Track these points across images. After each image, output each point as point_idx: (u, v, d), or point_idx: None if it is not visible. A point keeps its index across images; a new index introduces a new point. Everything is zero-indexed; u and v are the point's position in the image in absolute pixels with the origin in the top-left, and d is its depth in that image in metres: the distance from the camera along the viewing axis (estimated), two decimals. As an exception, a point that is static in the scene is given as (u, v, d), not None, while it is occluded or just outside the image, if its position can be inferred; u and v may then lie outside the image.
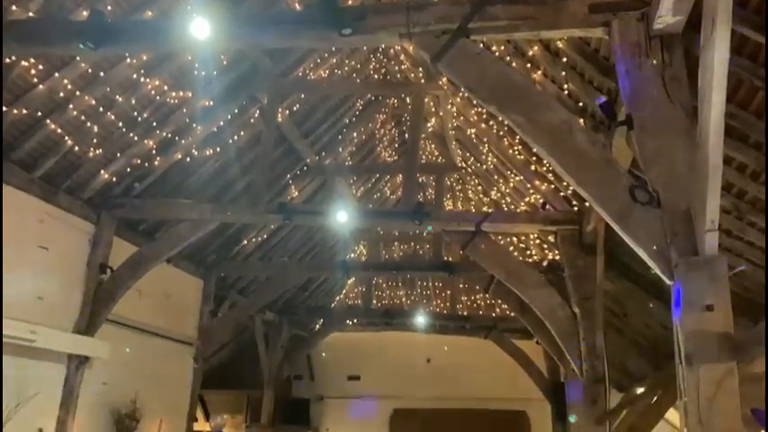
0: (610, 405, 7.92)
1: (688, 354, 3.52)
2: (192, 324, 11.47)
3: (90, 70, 7.00)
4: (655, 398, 9.81)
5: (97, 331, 8.42)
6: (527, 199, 9.85)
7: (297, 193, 11.50)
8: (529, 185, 9.44)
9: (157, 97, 7.88)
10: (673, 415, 11.46)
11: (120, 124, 7.83)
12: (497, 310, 15.45)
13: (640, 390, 10.40)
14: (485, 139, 10.05)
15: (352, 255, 15.76)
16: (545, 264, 10.10)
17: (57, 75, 6.76)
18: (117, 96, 7.51)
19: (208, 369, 12.54)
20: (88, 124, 7.49)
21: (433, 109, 11.22)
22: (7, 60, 6.23)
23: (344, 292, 17.54)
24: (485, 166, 10.96)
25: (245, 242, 11.89)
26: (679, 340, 3.65)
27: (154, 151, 8.42)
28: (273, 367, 15.03)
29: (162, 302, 10.33)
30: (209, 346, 11.81)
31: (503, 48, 7.12)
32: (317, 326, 16.70)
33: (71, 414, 7.99)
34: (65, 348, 7.98)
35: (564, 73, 6.32)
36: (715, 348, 3.45)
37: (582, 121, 6.23)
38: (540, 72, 6.84)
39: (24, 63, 6.47)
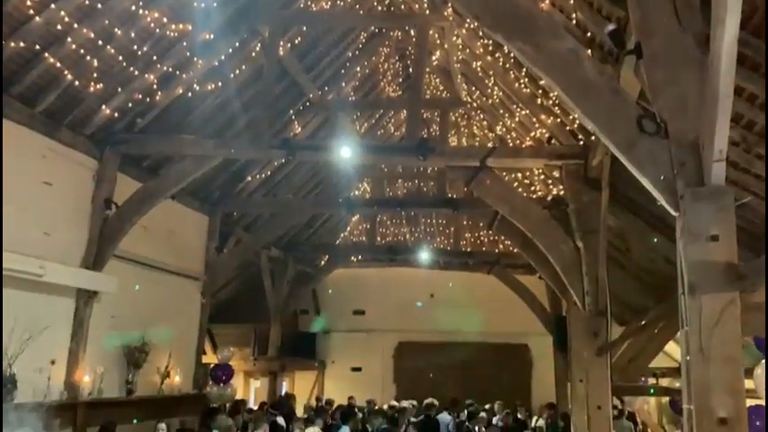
0: (611, 337, 8.05)
1: (691, 283, 3.55)
2: (198, 260, 11.58)
3: (87, 2, 6.84)
4: (656, 330, 9.99)
5: (104, 266, 8.52)
6: (532, 134, 9.76)
7: (300, 129, 11.42)
8: (534, 120, 9.34)
9: (157, 30, 7.72)
10: (672, 347, 11.69)
11: (120, 58, 7.69)
12: (500, 246, 15.54)
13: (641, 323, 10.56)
14: (490, 73, 9.89)
15: (357, 192, 15.77)
16: (549, 199, 10.10)
17: (53, 6, 6.61)
18: (116, 29, 7.35)
19: (215, 304, 12.73)
20: (88, 58, 7.36)
21: (438, 41, 10.99)
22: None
23: (349, 229, 17.63)
24: (490, 101, 10.82)
25: (249, 179, 11.88)
26: (683, 270, 3.67)
27: (155, 86, 8.31)
28: (279, 302, 15.27)
29: (168, 239, 10.40)
30: (215, 281, 11.96)
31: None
32: (322, 262, 16.87)
33: (82, 346, 8.17)
34: (73, 283, 8.09)
35: (572, 2, 6.15)
36: (718, 278, 3.47)
37: (590, 52, 6.10)
38: (547, 1, 6.67)
39: (19, -7, 6.33)
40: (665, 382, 10.59)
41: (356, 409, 12.14)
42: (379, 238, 16.34)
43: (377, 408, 12.92)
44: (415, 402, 12.38)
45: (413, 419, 11.56)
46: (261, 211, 13.08)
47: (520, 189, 11.99)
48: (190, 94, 8.84)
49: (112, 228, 8.55)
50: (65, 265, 7.89)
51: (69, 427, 7.80)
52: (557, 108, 8.39)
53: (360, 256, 16.59)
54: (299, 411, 12.65)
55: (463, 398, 13.95)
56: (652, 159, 3.81)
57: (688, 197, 3.62)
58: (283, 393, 14.98)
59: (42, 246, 7.55)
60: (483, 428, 11.17)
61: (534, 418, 13.34)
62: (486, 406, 12.80)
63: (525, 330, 15.84)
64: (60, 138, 7.90)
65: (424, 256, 14.73)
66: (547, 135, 9.11)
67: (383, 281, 16.91)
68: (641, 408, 12.68)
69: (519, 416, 13.25)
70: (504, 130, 11.44)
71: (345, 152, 8.36)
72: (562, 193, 9.25)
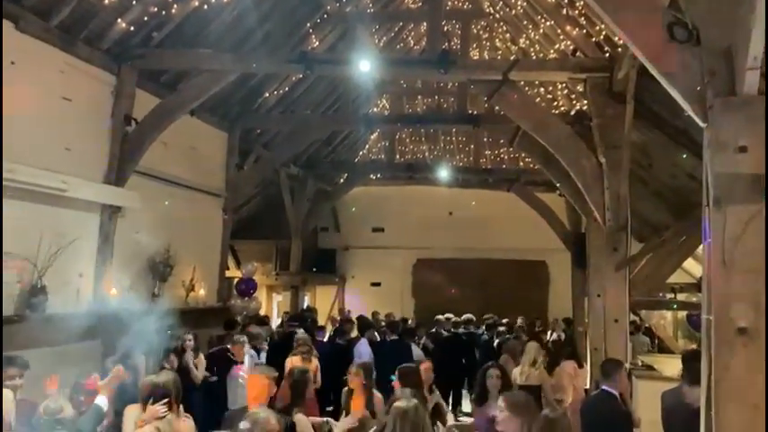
0: (630, 253, 8.06)
1: (716, 195, 3.49)
2: (219, 177, 11.64)
3: None
4: (675, 246, 9.98)
5: (126, 182, 8.61)
6: (556, 46, 9.48)
7: (317, 42, 11.17)
8: (559, 31, 9.05)
9: (170, -61, 7.49)
10: (690, 264, 11.72)
11: (133, -31, 7.51)
12: (521, 163, 15.44)
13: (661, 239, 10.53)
14: (514, -18, 9.53)
15: (375, 109, 15.59)
16: (572, 114, 9.92)
17: None
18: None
19: (237, 220, 12.91)
20: (100, -31, 7.20)
21: (460, -51, 10.57)
22: None
23: (368, 146, 17.56)
24: (513, 12, 10.47)
25: (267, 95, 11.76)
26: (708, 182, 3.61)
27: (170, -2, 8.13)
28: (300, 219, 15.43)
29: (188, 155, 10.43)
30: (236, 198, 12.05)
31: None
32: (341, 180, 16.91)
33: (108, 260, 8.36)
34: (96, 198, 8.19)
35: None
36: (745, 190, 3.40)
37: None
38: None
39: None
40: (682, 297, 10.67)
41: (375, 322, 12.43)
42: (398, 156, 16.28)
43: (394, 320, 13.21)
44: (451, 316, 12.61)
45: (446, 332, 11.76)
46: (279, 127, 13.01)
47: (542, 104, 11.78)
48: (206, 6, 8.62)
49: (133, 144, 8.57)
50: (88, 181, 7.97)
51: (98, 337, 8.08)
52: (582, 19, 8.11)
53: (379, 175, 16.58)
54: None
55: (482, 313, 14.20)
56: (682, 68, 3.68)
57: (717, 107, 3.51)
58: (305, 307, 15.36)
59: (64, 161, 7.62)
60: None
61: (549, 333, 13.60)
62: (504, 320, 13.02)
63: (543, 247, 15.93)
64: (77, 52, 7.82)
65: (444, 173, 14.68)
66: (571, 47, 8.84)
67: (402, 199, 16.97)
68: (657, 323, 12.84)
69: (536, 329, 13.52)
70: (527, 42, 11.12)
71: (364, 66, 8.20)
72: (585, 107, 9.07)
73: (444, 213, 17.00)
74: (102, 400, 4.73)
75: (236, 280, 11.77)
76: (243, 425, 3.52)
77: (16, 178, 6.66)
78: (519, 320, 13.34)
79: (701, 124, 3.67)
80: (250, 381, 4.99)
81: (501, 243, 16.23)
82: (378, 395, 5.62)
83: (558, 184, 10.50)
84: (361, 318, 12.07)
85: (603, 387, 5.30)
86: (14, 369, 5.12)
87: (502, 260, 16.60)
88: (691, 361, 4.95)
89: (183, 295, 10.11)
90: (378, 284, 17.82)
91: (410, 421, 3.74)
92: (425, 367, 5.91)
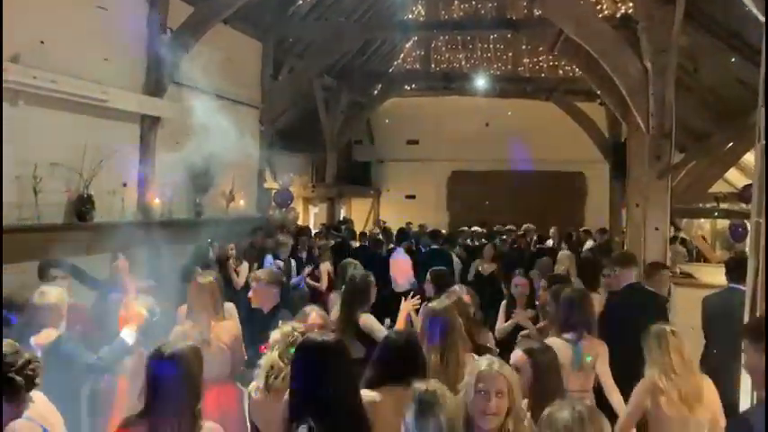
0: (673, 161, 7.90)
1: (774, 93, 3.38)
2: (254, 88, 11.60)
3: None
4: (719, 155, 9.76)
5: (165, 93, 8.64)
6: (602, -56, 9.01)
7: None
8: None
9: None
10: (732, 174, 11.48)
11: None
12: (560, 71, 15.01)
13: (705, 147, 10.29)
14: None
15: (410, 15, 15.15)
16: (618, 17, 9.52)
17: None
18: None
19: (273, 133, 12.90)
20: None
21: None
22: None
23: (402, 56, 17.18)
24: None
25: (301, 1, 11.50)
26: (765, 81, 3.48)
27: None
28: (334, 131, 15.39)
29: (224, 66, 10.24)
30: (272, 109, 12.02)
31: None
32: (375, 91, 16.68)
33: (150, 170, 8.52)
34: (135, 108, 8.26)
35: None
36: (804, 86, 3.29)
37: None
38: None
39: None
40: (724, 206, 10.51)
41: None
42: (433, 66, 15.96)
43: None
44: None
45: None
46: (313, 36, 12.78)
47: (586, 7, 11.31)
48: None
49: (169, 54, 8.53)
50: (127, 91, 8.01)
51: (144, 245, 8.33)
52: None
53: (414, 85, 16.31)
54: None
55: (517, 226, 14.18)
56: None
57: (781, -1, 3.35)
58: (341, 218, 15.55)
59: (103, 71, 7.64)
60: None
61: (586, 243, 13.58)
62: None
63: (581, 158, 15.74)
64: (109, -41, 7.70)
65: (480, 83, 14.39)
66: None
67: (437, 110, 16.74)
68: (696, 234, 12.74)
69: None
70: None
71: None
72: (632, 10, 8.68)
73: (480, 124, 16.75)
74: (128, 334, 4.14)
75: (273, 191, 11.90)
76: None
77: (59, 89, 6.73)
78: (552, 230, 13.33)
79: (761, 17, 3.51)
80: None
81: (538, 154, 16.04)
82: None
83: (599, 92, 10.21)
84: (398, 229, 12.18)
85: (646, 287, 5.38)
86: (60, 270, 5.32)
87: (538, 172, 16.46)
88: (736, 265, 4.95)
89: (223, 206, 10.29)
90: (412, 197, 17.89)
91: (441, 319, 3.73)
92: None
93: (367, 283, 5.04)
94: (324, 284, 8.84)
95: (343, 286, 5.29)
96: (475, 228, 13.00)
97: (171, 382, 2.59)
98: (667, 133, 7.30)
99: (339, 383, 2.54)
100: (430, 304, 4.11)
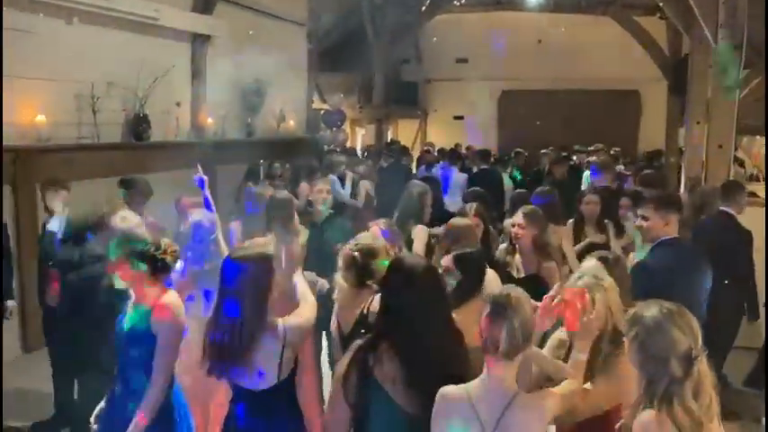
0: (741, 75, 7.53)
1: None
2: (301, 5, 11.37)
3: None
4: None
5: (214, 11, 8.55)
6: None
7: None
8: None
9: None
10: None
11: None
12: (619, -17, 14.29)
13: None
14: None
15: None
16: None
17: None
18: None
19: (320, 53, 12.72)
20: None
21: None
22: None
23: (452, -32, 16.53)
24: None
25: None
26: None
27: None
28: (382, 51, 15.06)
29: (270, -18, 10.16)
30: (319, 26, 11.80)
31: None
32: (423, 8, 16.14)
33: (202, 90, 8.54)
34: (186, 26, 8.23)
35: None
36: None
37: None
38: None
39: None
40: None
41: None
42: (484, -23, 15.33)
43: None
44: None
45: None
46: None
47: None
48: None
49: (217, -31, 8.40)
50: (177, 9, 7.95)
51: (197, 163, 8.42)
52: None
53: (463, 0, 15.73)
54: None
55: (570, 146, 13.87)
56: None
57: None
58: (389, 140, 15.44)
59: (153, -11, 7.58)
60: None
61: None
62: (591, 148, 12.62)
63: (637, 76, 15.21)
64: None
65: (533, -4, 13.81)
66: None
67: (487, 26, 16.18)
68: (757, 152, 12.29)
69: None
70: None
71: None
72: None
73: (532, 41, 16.16)
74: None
75: (323, 111, 11.84)
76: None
77: (114, 7, 6.71)
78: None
79: None
80: None
81: (592, 72, 15.48)
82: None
83: (661, 3, 9.72)
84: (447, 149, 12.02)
85: (722, 208, 5.15)
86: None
87: (593, 90, 15.92)
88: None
89: (274, 126, 10.30)
90: (461, 118, 17.57)
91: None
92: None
93: (422, 198, 5.01)
94: (360, 202, 8.77)
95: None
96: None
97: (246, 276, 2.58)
98: (738, 45, 6.92)
99: (433, 302, 2.50)
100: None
